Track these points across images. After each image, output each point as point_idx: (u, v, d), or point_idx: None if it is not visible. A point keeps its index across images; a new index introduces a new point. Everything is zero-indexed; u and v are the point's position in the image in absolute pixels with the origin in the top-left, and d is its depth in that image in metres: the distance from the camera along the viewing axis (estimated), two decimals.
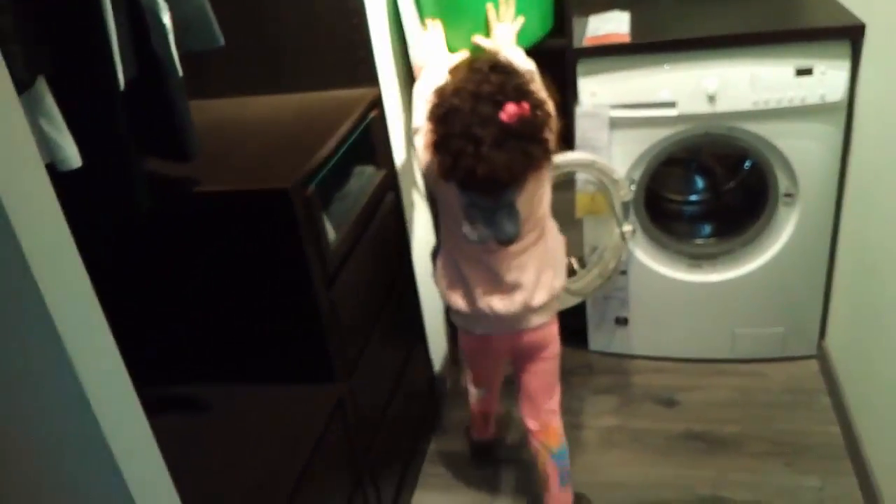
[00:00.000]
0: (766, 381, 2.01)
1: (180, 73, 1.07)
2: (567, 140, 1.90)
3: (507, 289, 1.44)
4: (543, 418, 1.58)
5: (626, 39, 1.75)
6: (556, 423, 1.60)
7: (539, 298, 1.46)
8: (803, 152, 1.77)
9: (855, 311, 1.79)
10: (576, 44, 1.78)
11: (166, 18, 1.04)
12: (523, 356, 1.56)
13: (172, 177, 1.28)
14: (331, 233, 1.38)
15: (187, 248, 1.34)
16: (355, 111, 1.49)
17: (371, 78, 1.58)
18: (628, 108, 1.79)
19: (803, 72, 1.67)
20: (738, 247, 1.96)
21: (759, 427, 1.87)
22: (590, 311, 2.17)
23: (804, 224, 1.86)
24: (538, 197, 1.40)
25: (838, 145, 1.76)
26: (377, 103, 1.58)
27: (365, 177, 1.60)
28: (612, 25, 1.84)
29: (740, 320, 2.04)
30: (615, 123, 1.81)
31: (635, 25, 1.84)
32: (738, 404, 1.95)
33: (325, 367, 1.39)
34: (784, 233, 1.89)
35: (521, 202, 1.35)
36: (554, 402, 1.60)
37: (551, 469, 1.59)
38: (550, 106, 1.33)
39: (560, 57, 1.80)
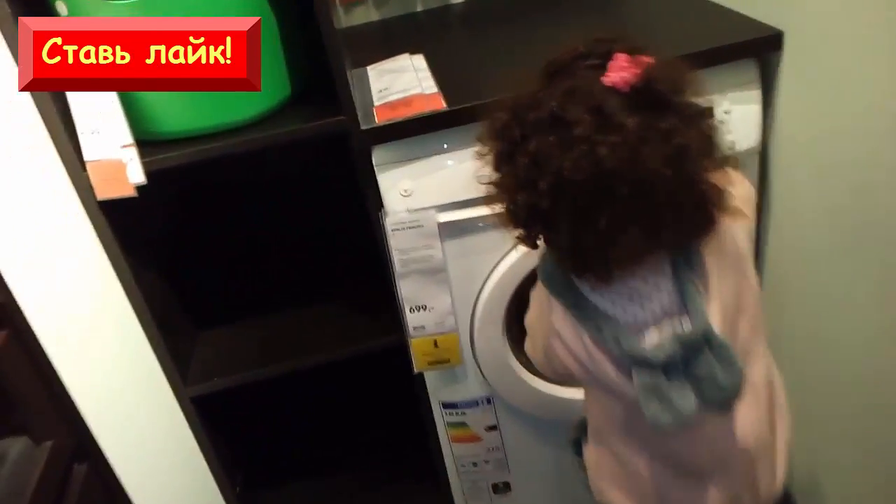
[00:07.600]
0: None
1: None
2: (378, 264, 1.22)
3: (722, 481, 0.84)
4: None
5: (442, 105, 1.08)
6: None
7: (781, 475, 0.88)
8: None
9: None
10: (364, 122, 1.09)
11: None
12: None
13: None
14: None
15: None
16: None
17: None
18: (462, 207, 1.14)
19: None
20: None
21: None
22: (454, 481, 1.50)
23: None
24: (735, 293, 0.76)
25: None
26: None
27: (9, 460, 0.79)
28: (409, 81, 1.18)
29: None
30: (447, 232, 1.16)
31: (441, 77, 1.19)
32: None
33: None
34: None
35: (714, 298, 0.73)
36: None
37: None
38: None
39: (340, 146, 1.12)
